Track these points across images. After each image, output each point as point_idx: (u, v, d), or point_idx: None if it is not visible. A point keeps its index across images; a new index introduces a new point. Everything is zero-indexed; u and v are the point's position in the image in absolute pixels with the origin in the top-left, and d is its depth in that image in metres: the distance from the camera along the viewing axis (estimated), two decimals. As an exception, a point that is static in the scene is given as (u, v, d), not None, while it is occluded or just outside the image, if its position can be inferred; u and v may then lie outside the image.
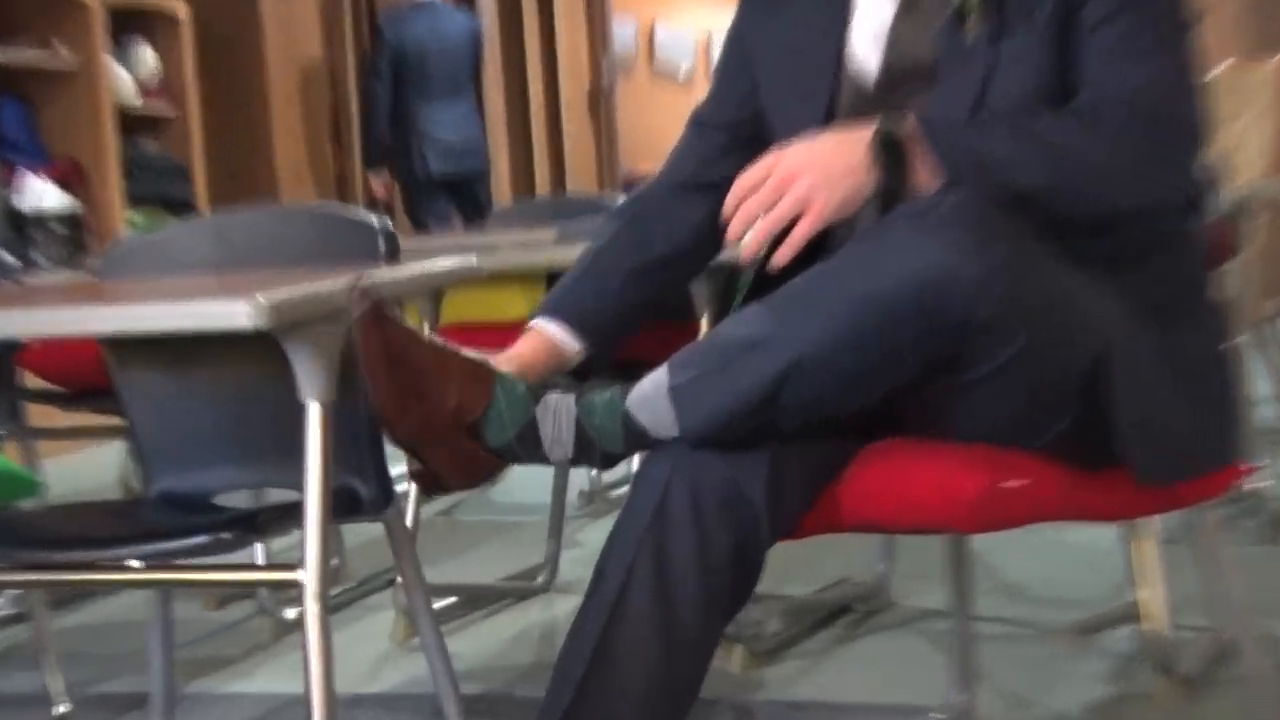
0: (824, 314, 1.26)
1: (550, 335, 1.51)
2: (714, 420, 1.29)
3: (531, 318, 1.54)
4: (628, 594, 1.27)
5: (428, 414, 1.29)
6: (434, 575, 2.09)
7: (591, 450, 1.32)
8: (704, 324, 2.29)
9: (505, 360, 1.46)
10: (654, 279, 1.57)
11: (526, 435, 1.31)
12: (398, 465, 1.54)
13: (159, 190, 5.22)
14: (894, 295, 1.23)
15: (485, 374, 1.32)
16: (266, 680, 2.39)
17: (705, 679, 1.30)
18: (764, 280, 1.42)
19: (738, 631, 2.29)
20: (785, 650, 2.37)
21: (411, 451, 1.30)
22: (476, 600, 2.76)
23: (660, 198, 1.57)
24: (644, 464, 1.33)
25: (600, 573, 1.30)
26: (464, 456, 1.31)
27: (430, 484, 1.32)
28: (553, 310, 1.53)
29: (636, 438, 1.32)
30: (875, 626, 2.48)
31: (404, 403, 1.28)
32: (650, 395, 1.31)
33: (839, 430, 1.36)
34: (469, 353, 1.35)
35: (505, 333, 2.61)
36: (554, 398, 1.33)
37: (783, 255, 1.33)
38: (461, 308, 2.66)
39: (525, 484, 3.84)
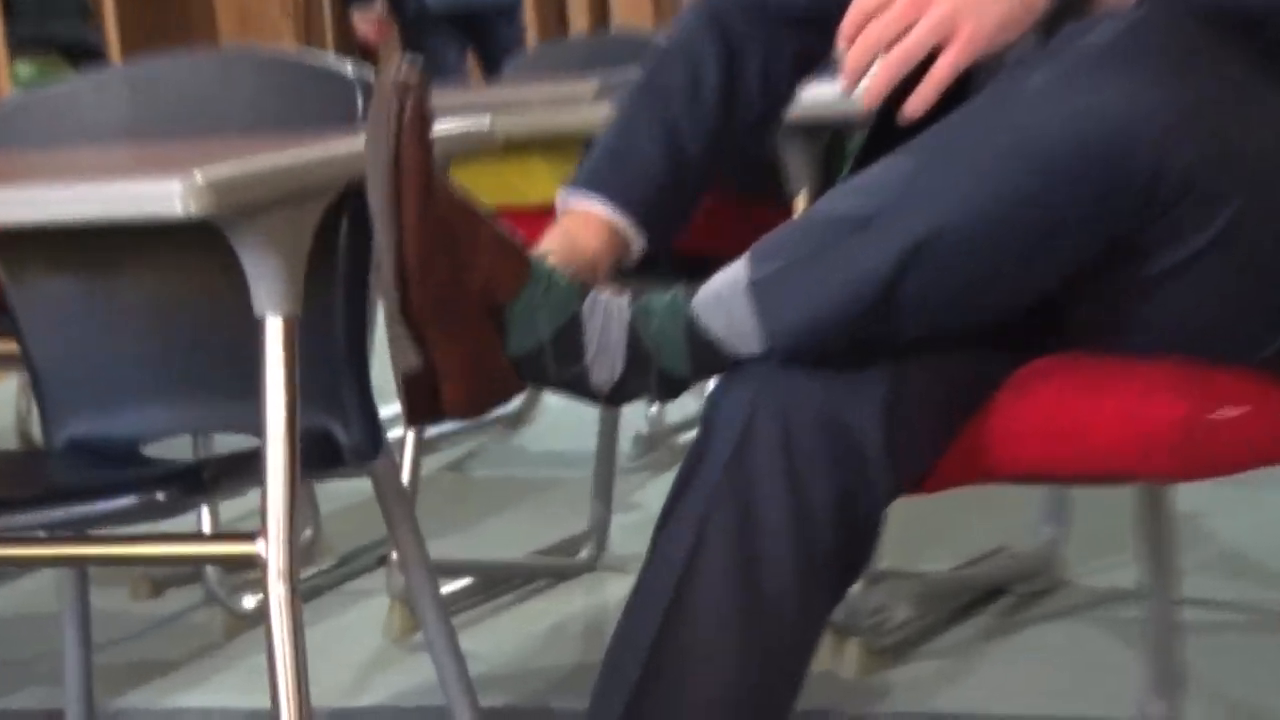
0: (960, 177, 1.25)
1: (607, 220, 1.48)
2: (811, 327, 1.29)
3: (572, 191, 1.50)
4: (697, 566, 1.27)
5: (456, 277, 1.28)
6: (441, 549, 2.10)
7: (646, 367, 1.32)
8: (800, 203, 2.28)
9: (557, 247, 1.43)
10: (739, 144, 1.55)
11: (566, 338, 1.31)
12: (389, 403, 1.55)
13: (52, 32, 5.24)
14: (1055, 149, 1.22)
15: (518, 252, 1.32)
16: (218, 691, 2.44)
17: (805, 683, 1.31)
18: (884, 139, 1.41)
19: (852, 620, 2.30)
20: (917, 646, 2.38)
21: (419, 334, 1.28)
22: (498, 582, 2.79)
23: (748, 25, 1.53)
24: (717, 390, 1.33)
25: (660, 538, 1.31)
26: (481, 356, 1.30)
27: (425, 397, 1.30)
28: (605, 186, 1.49)
29: (705, 353, 1.32)
30: (1042, 614, 2.48)
31: (432, 256, 1.27)
32: (725, 295, 1.31)
33: (982, 343, 1.35)
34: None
35: (529, 220, 2.62)
36: (605, 295, 1.33)
37: (917, 102, 1.31)
38: (470, 188, 2.66)
39: (562, 426, 3.85)
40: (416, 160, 1.26)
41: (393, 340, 1.29)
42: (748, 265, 1.31)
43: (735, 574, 1.27)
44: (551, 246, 1.44)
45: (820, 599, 1.30)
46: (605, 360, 1.31)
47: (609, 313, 1.32)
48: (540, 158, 2.60)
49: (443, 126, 1.67)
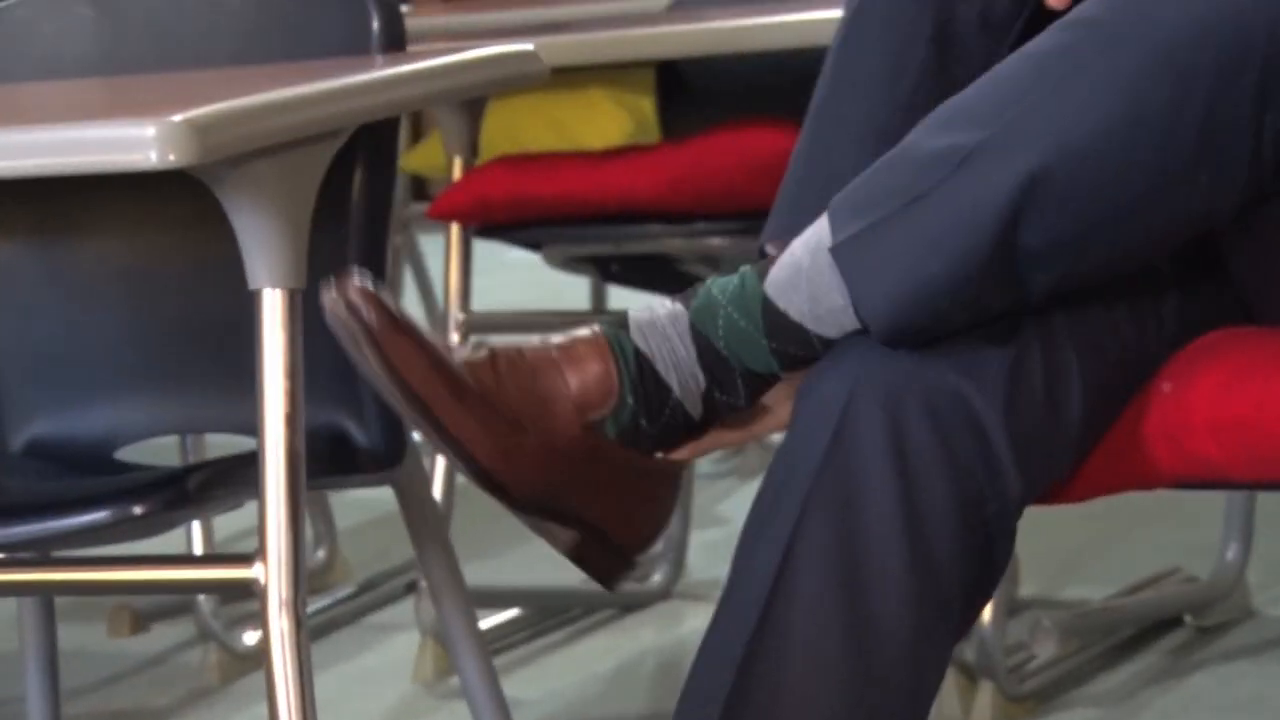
0: (1077, 88, 1.25)
1: None
2: (915, 295, 1.28)
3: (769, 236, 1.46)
4: (786, 589, 1.27)
5: (545, 437, 1.31)
6: (481, 574, 2.10)
7: (729, 374, 1.33)
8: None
9: None
10: None
11: (642, 386, 1.33)
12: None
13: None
14: (1204, 34, 1.23)
15: (592, 342, 1.34)
16: (214, 747, 2.46)
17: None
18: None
19: (985, 660, 2.29)
20: (1066, 692, 2.37)
21: (550, 514, 1.33)
22: (551, 614, 2.79)
23: None
24: (809, 380, 1.34)
25: (743, 556, 1.31)
26: (621, 477, 1.33)
27: (606, 557, 1.34)
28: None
29: (790, 344, 1.32)
30: (1222, 652, 2.47)
31: (505, 443, 1.30)
32: (804, 267, 1.31)
33: (1137, 313, 1.35)
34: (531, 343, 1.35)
35: (587, 169, 2.62)
36: (643, 315, 1.34)
37: None
38: (514, 131, 2.66)
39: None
40: (419, 368, 1.29)
41: (534, 529, 1.34)
42: (828, 225, 1.31)
43: (834, 597, 1.27)
44: None
45: (941, 629, 1.29)
46: (689, 384, 1.33)
47: (663, 328, 1.33)
48: (602, 91, 2.59)
49: (476, 53, 1.67)
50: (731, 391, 1.34)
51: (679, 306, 1.34)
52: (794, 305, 1.31)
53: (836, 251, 1.29)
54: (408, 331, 1.29)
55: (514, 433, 1.30)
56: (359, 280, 1.30)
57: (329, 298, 1.30)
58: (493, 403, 1.30)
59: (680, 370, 1.33)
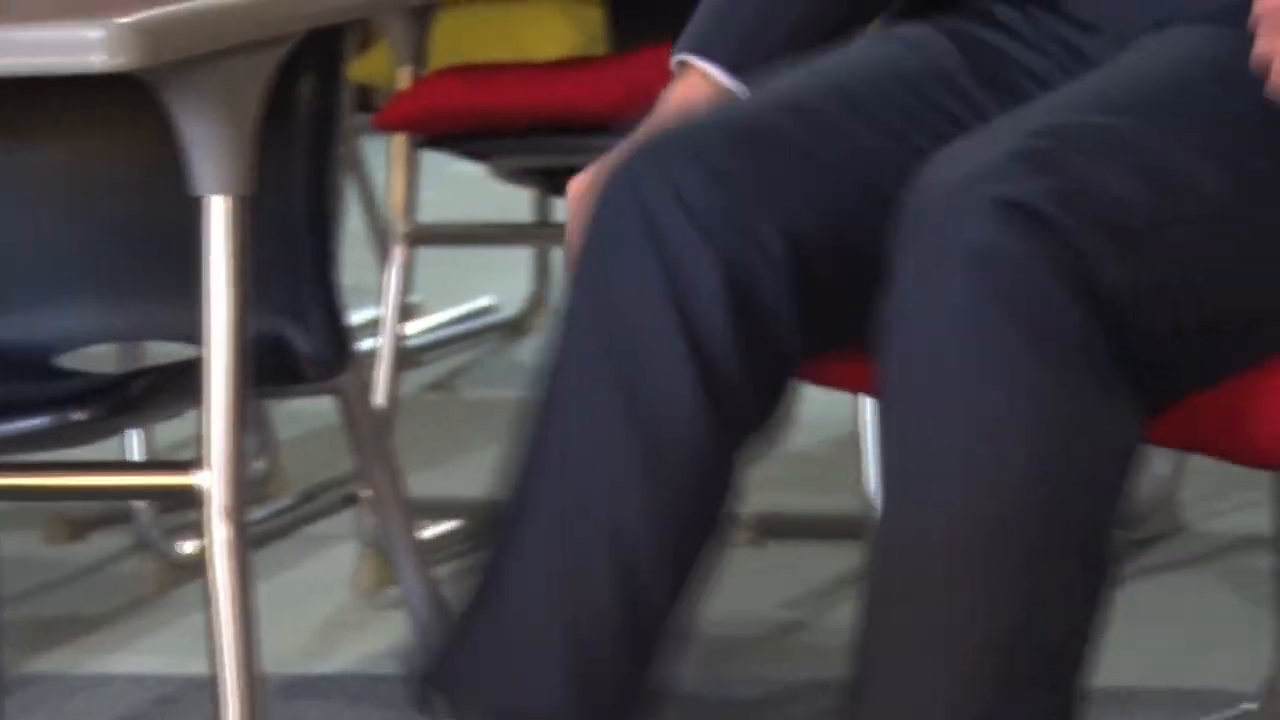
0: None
1: (720, 84, 1.54)
2: None
3: (679, 49, 1.56)
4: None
5: None
6: (422, 485, 2.10)
7: None
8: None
9: (674, 113, 1.49)
10: None
11: None
12: (359, 307, 1.55)
13: None
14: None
15: None
16: (151, 654, 2.45)
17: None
18: None
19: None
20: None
21: None
22: (492, 527, 2.80)
23: None
24: None
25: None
26: None
27: None
28: (715, 49, 1.55)
29: None
30: (1153, 565, 2.47)
31: None
32: None
33: None
34: None
35: (536, 81, 2.62)
36: None
37: None
38: (463, 41, 2.65)
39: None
40: None
41: None
42: None
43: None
44: (669, 111, 1.53)
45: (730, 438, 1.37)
46: None
47: None
48: (553, 4, 2.59)
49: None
50: None
51: None
52: None
53: None
54: None
55: None
56: None
57: None
58: None
59: None
